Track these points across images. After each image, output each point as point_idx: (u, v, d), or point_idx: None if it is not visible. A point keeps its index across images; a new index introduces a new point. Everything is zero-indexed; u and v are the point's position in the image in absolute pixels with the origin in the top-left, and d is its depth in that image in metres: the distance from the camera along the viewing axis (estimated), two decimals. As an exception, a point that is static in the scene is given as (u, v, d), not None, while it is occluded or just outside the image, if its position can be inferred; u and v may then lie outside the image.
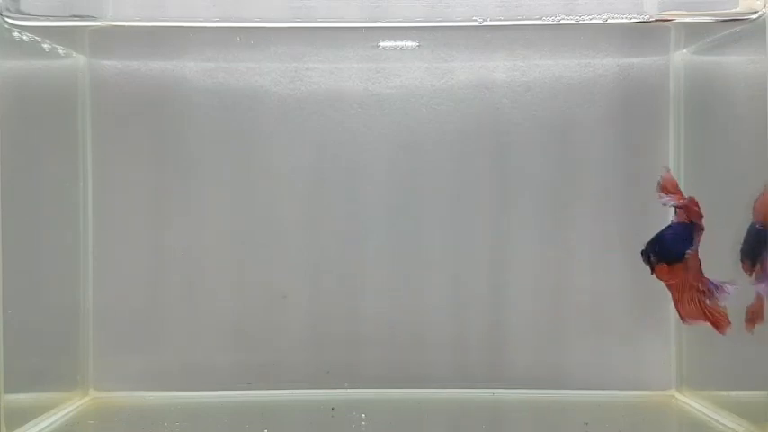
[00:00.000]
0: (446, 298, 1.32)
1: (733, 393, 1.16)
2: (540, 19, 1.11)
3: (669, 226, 1.09)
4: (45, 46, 1.19)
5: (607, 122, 1.31)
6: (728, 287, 1.04)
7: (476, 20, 1.12)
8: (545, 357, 1.32)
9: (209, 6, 1.14)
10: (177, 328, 1.32)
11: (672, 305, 1.29)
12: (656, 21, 1.13)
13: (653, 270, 1.07)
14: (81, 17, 1.13)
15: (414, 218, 1.32)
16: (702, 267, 1.06)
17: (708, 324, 1.05)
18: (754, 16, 1.07)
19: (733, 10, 1.09)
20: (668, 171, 1.10)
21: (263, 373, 1.32)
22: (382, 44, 1.28)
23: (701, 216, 1.06)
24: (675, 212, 1.08)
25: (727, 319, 1.04)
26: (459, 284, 1.32)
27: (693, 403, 1.24)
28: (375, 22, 1.15)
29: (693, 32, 1.21)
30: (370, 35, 1.24)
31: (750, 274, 1.04)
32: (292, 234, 1.32)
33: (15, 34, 1.09)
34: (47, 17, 1.11)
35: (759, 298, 1.04)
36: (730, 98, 1.17)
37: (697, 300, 1.06)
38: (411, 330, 1.32)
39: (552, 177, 1.31)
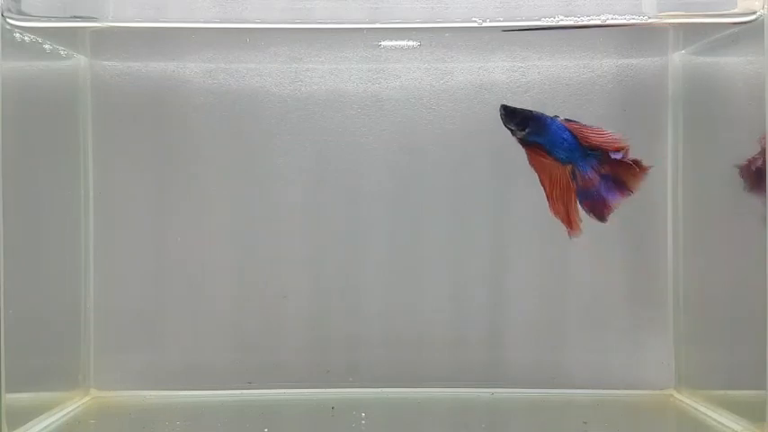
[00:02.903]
0: (446, 297, 1.32)
1: (731, 392, 1.16)
2: (539, 20, 1.12)
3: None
4: (46, 47, 1.19)
5: (606, 123, 1.30)
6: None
7: (475, 21, 1.13)
8: (544, 357, 1.32)
9: (210, 7, 1.15)
10: (178, 327, 1.32)
11: (672, 304, 1.31)
12: (655, 23, 1.13)
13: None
14: (82, 18, 1.14)
15: (413, 218, 1.32)
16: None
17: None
18: (753, 17, 1.08)
19: (731, 11, 1.10)
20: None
21: (263, 372, 1.32)
22: (382, 45, 1.28)
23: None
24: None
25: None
26: (459, 284, 1.32)
27: (692, 402, 1.24)
28: (375, 23, 1.15)
29: (692, 33, 1.21)
30: (371, 36, 1.24)
31: None
32: (293, 234, 1.32)
33: (17, 35, 1.09)
34: (48, 18, 1.12)
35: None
36: (729, 99, 1.17)
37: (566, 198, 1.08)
38: (411, 330, 1.33)
39: (551, 177, 1.32)
